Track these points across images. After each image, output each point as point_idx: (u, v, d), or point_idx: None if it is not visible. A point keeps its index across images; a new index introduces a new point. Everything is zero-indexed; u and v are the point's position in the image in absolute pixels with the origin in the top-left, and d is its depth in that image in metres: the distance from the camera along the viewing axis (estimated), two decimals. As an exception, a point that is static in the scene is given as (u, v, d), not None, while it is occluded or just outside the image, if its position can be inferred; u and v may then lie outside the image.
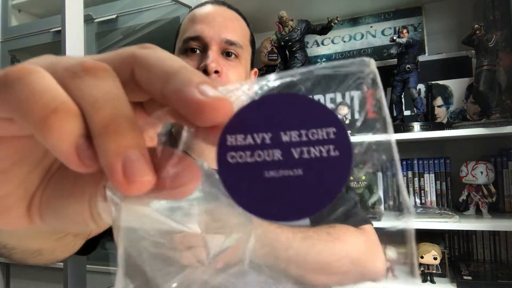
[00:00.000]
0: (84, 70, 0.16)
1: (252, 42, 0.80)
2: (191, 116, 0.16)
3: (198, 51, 0.68)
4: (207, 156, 0.19)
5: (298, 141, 0.17)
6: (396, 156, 0.23)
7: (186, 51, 0.69)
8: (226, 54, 0.70)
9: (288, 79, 0.19)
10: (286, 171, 0.17)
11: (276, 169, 0.17)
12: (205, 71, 0.65)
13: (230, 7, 0.76)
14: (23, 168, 0.18)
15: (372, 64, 0.20)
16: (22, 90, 0.15)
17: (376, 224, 1.29)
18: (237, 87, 0.18)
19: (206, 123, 0.16)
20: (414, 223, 1.23)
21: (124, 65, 0.17)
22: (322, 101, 1.65)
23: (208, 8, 0.72)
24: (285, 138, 0.17)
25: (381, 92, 0.21)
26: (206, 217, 0.21)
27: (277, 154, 0.17)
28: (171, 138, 0.19)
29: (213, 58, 0.66)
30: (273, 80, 0.19)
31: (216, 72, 0.66)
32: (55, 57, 0.17)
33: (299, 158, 0.17)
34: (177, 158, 0.17)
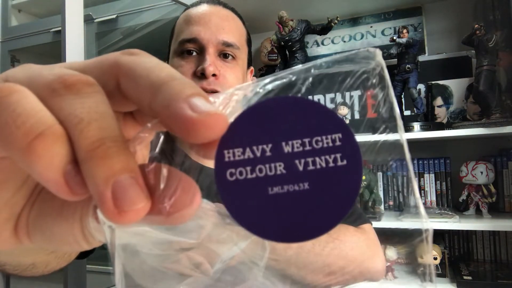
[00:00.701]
0: (66, 87, 0.14)
1: (249, 41, 0.79)
2: (183, 134, 0.14)
3: (194, 53, 0.67)
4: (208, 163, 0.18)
5: (301, 151, 0.16)
6: (408, 157, 0.21)
7: (182, 53, 0.68)
8: (223, 55, 0.69)
9: (286, 80, 0.17)
10: (291, 186, 0.16)
11: (280, 184, 0.16)
12: (203, 74, 0.64)
13: (225, 5, 0.75)
14: (6, 189, 0.16)
15: (378, 55, 0.18)
16: (3, 112, 0.13)
17: (376, 224, 1.29)
18: (231, 94, 0.17)
19: (199, 140, 0.15)
20: (414, 223, 1.23)
21: (107, 75, 0.16)
22: (322, 100, 1.65)
23: (203, 8, 0.71)
24: (287, 148, 0.16)
25: (389, 87, 0.20)
26: (208, 228, 0.20)
27: (279, 167, 0.16)
28: (166, 153, 0.18)
29: (211, 61, 0.65)
30: (269, 82, 0.17)
31: (214, 75, 0.65)
32: (33, 69, 0.16)
33: (304, 171, 0.16)
34: (174, 178, 0.15)
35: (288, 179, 0.16)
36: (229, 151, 0.16)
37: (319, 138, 0.16)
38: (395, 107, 0.20)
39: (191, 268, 0.30)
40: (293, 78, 0.17)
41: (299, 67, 0.18)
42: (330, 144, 0.16)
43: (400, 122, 0.20)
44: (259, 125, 0.16)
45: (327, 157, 0.16)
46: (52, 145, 0.13)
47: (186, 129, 0.14)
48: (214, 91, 0.64)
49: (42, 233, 0.17)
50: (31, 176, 0.16)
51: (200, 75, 0.65)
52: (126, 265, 0.17)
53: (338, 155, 0.16)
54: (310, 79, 0.18)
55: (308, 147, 0.16)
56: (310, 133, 0.16)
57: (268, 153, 0.16)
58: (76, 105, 0.14)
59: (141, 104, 0.15)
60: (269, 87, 0.17)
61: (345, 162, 0.16)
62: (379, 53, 0.18)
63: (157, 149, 0.19)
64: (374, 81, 0.19)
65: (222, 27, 0.69)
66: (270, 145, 0.16)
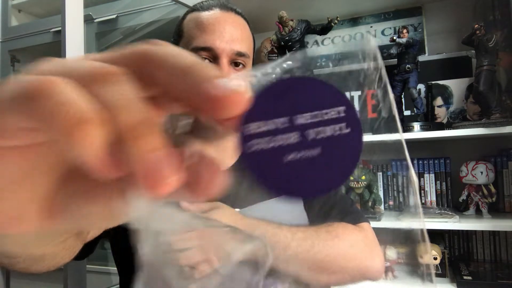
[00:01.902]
0: (100, 77, 0.16)
1: (254, 45, 0.80)
2: (211, 110, 0.16)
3: (207, 61, 0.68)
4: (227, 148, 0.22)
5: (313, 122, 0.19)
6: (407, 156, 0.26)
7: None
8: (235, 64, 0.71)
9: (298, 63, 0.20)
10: (305, 152, 0.18)
11: (296, 151, 0.18)
12: None
13: (236, 11, 0.75)
14: (38, 173, 0.18)
15: (372, 40, 0.22)
16: (48, 102, 0.15)
17: (376, 224, 1.29)
18: (252, 74, 0.20)
19: (226, 115, 0.17)
20: (414, 223, 1.23)
21: (136, 63, 0.17)
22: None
23: (217, 14, 0.71)
24: (301, 120, 0.18)
25: (382, 69, 0.23)
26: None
27: (295, 136, 0.18)
28: (187, 135, 0.20)
29: (226, 73, 0.66)
30: (284, 63, 0.20)
31: None
32: (66, 62, 0.18)
33: (315, 139, 0.19)
34: (198, 156, 0.17)
35: (302, 146, 0.19)
36: (251, 124, 0.18)
37: (327, 111, 0.19)
38: (393, 107, 0.24)
39: (190, 266, 0.31)
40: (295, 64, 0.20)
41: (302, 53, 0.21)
42: (336, 116, 0.19)
43: (398, 124, 0.24)
44: (276, 101, 0.19)
45: (335, 126, 0.19)
46: (93, 130, 0.15)
47: (213, 105, 0.16)
48: None
49: (70, 213, 0.19)
50: (60, 162, 0.18)
51: None
52: (149, 250, 0.20)
53: (343, 124, 0.19)
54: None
55: (318, 118, 0.19)
56: (320, 107, 0.19)
57: (285, 125, 0.18)
58: (111, 92, 0.16)
59: (169, 87, 0.17)
60: (284, 67, 0.21)
61: (349, 130, 0.19)
62: (372, 39, 0.22)
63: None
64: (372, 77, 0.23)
65: (236, 37, 0.70)
66: (286, 118, 0.18)
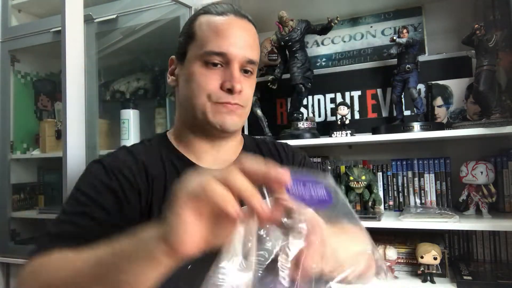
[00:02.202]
0: (233, 180, 0.40)
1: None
2: (259, 217, 0.41)
3: (219, 65, 0.70)
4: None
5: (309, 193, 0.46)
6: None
7: (207, 63, 0.70)
8: (244, 71, 0.73)
9: None
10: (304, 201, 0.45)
11: (303, 200, 0.45)
12: (229, 90, 0.69)
13: (248, 18, 0.76)
14: (206, 225, 0.41)
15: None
16: (216, 193, 0.39)
17: (376, 224, 1.29)
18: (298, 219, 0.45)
19: (279, 187, 0.43)
20: (414, 223, 1.23)
21: (253, 178, 0.42)
22: (322, 100, 1.65)
23: (232, 21, 0.72)
24: (304, 193, 0.45)
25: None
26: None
27: (301, 195, 0.45)
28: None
29: (238, 79, 0.70)
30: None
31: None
32: (214, 174, 0.41)
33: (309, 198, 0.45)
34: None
35: (305, 199, 0.45)
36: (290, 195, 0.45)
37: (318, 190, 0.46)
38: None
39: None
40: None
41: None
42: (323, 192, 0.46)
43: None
44: (296, 191, 0.44)
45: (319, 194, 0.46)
46: (234, 202, 0.39)
47: (260, 215, 0.41)
48: (237, 104, 0.71)
49: (215, 237, 0.42)
50: (216, 215, 0.41)
51: (227, 90, 0.70)
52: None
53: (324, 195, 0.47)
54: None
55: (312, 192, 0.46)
56: (315, 188, 0.46)
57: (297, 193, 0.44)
58: (241, 184, 0.40)
59: (259, 181, 0.43)
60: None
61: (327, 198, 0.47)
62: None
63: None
64: None
65: (248, 44, 0.72)
66: (302, 193, 0.45)
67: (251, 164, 0.41)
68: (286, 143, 0.91)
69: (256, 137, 0.91)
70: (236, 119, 0.72)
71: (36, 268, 0.58)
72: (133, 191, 0.68)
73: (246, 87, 0.72)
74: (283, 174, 0.41)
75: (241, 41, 0.71)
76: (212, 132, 0.74)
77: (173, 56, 0.79)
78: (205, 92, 0.70)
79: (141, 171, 0.70)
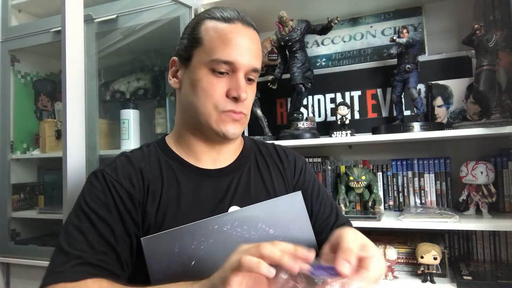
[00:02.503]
0: (262, 250, 0.51)
1: None
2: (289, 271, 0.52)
3: (225, 73, 0.72)
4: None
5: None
6: None
7: (213, 71, 0.71)
8: (248, 78, 0.75)
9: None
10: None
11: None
12: (235, 98, 0.71)
13: (254, 26, 0.76)
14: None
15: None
16: (260, 267, 0.49)
17: (376, 224, 1.29)
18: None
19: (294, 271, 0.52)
20: (414, 223, 1.23)
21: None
22: (322, 100, 1.65)
23: (239, 29, 0.73)
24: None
25: None
26: None
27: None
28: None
29: (244, 88, 0.72)
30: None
31: None
32: (252, 251, 0.52)
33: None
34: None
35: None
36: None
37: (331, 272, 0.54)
38: None
39: None
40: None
41: None
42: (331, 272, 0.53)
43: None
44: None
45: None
46: (266, 265, 0.50)
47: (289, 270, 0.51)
48: (241, 113, 0.74)
49: None
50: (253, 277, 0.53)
51: (232, 98, 0.72)
52: None
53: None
54: None
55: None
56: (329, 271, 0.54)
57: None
58: (270, 251, 0.51)
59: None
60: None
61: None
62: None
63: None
64: None
65: (254, 54, 0.73)
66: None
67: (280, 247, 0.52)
68: (286, 147, 0.93)
69: (255, 137, 0.93)
70: (238, 127, 0.75)
71: None
72: (131, 202, 0.70)
73: (249, 94, 0.74)
74: (307, 255, 0.52)
75: (248, 50, 0.72)
76: (214, 138, 0.75)
77: (175, 58, 0.78)
78: (211, 101, 0.71)
79: (138, 177, 0.72)
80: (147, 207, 0.70)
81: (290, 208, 0.72)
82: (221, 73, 0.71)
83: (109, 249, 0.65)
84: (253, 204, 0.70)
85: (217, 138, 0.75)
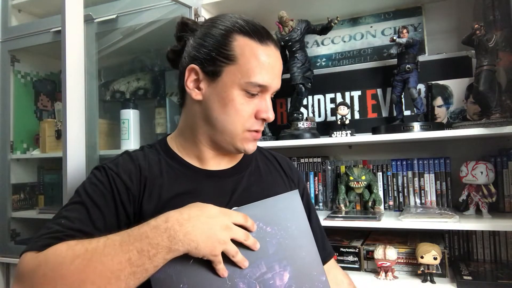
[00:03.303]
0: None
1: None
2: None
3: (256, 94, 0.74)
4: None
5: None
6: None
7: (247, 92, 0.72)
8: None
9: None
10: None
11: None
12: (263, 119, 0.74)
13: (278, 45, 0.77)
14: None
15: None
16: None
17: (376, 224, 1.29)
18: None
19: None
20: (414, 223, 1.23)
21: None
22: (322, 100, 1.65)
23: (273, 53, 0.74)
24: None
25: None
26: None
27: None
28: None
29: (271, 110, 0.75)
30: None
31: None
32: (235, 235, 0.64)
33: None
34: None
35: None
36: None
37: None
38: None
39: None
40: None
41: None
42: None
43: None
44: None
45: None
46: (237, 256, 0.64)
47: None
48: (262, 132, 0.78)
49: None
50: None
51: (261, 119, 0.75)
52: None
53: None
54: None
55: None
56: None
57: None
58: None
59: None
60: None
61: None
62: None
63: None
64: None
65: (280, 77, 0.77)
66: None
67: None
68: (290, 161, 0.97)
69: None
70: (256, 144, 0.79)
71: (42, 260, 0.58)
72: (127, 195, 0.71)
73: None
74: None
75: (278, 74, 0.75)
76: (231, 151, 0.78)
77: (195, 67, 0.73)
78: (241, 121, 0.73)
79: (137, 174, 0.74)
80: (144, 203, 0.71)
81: (288, 207, 0.73)
82: (253, 94, 0.73)
83: (91, 230, 0.65)
84: (251, 203, 0.71)
85: (234, 152, 0.78)
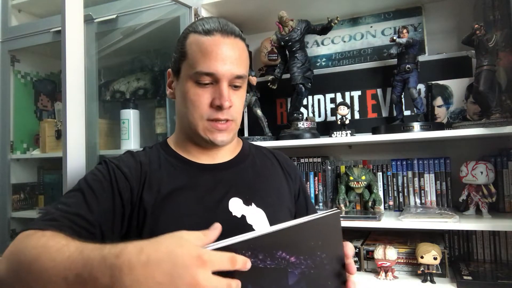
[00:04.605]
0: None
1: (250, 61, 0.85)
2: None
3: (209, 84, 0.75)
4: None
5: None
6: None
7: (198, 83, 0.75)
8: (234, 86, 0.77)
9: None
10: None
11: None
12: (219, 107, 0.74)
13: (235, 34, 0.77)
14: None
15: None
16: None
17: (376, 224, 1.29)
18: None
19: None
20: (414, 223, 1.23)
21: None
22: (322, 100, 1.65)
23: (218, 41, 0.75)
24: None
25: None
26: None
27: None
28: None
29: (227, 96, 0.74)
30: None
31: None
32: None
33: None
34: None
35: None
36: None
37: None
38: None
39: None
40: None
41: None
42: None
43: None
44: None
45: None
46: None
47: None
48: (227, 120, 0.76)
49: None
50: None
51: (216, 107, 0.75)
52: None
53: None
54: None
55: None
56: None
57: None
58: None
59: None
60: None
61: None
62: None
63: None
64: None
65: (236, 62, 0.75)
66: None
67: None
68: (287, 156, 0.98)
69: (255, 137, 0.95)
70: (226, 135, 0.78)
71: (22, 242, 0.61)
72: (125, 184, 0.73)
73: (236, 100, 0.77)
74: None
75: (228, 59, 0.75)
76: (205, 144, 0.80)
77: (169, 70, 0.83)
78: (198, 111, 0.75)
79: (137, 168, 0.77)
80: (144, 195, 0.74)
81: (322, 230, 0.63)
82: (205, 84, 0.75)
83: (85, 213, 0.67)
84: (278, 225, 0.57)
85: (208, 145, 0.79)
